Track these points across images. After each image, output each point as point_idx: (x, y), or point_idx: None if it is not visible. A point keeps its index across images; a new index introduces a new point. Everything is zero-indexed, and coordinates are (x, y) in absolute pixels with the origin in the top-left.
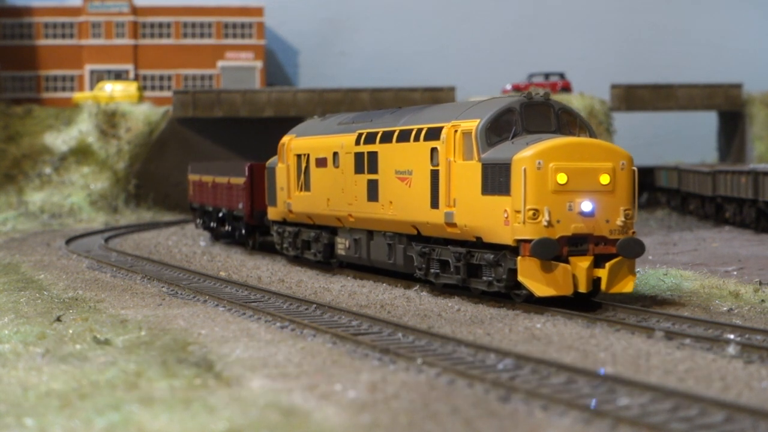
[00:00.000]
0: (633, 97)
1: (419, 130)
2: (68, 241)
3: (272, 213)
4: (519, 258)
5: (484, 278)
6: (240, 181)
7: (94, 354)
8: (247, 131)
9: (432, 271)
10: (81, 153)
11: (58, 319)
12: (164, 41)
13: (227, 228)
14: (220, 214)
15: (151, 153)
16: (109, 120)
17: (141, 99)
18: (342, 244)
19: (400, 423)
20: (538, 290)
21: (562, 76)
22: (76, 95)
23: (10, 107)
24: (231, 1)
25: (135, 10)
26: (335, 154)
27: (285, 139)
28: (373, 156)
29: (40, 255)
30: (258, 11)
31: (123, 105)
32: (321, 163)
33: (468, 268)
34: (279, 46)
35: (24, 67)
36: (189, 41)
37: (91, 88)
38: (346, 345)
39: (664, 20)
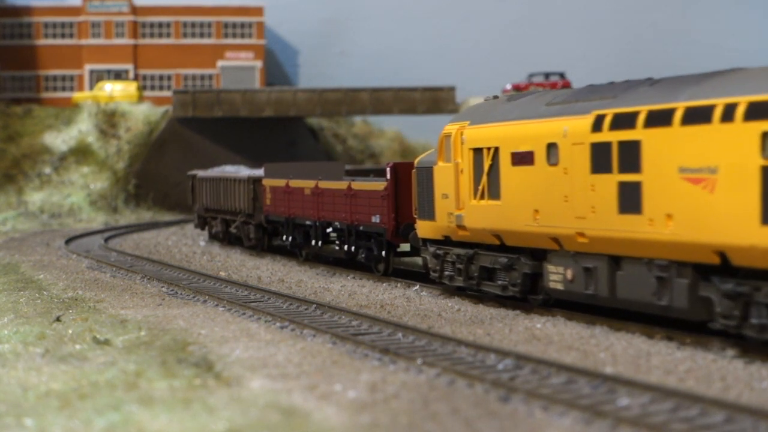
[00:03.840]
0: None
1: (731, 106)
2: (68, 241)
3: (425, 228)
4: None
5: None
6: (377, 186)
7: (94, 354)
8: (247, 131)
9: (755, 322)
10: (81, 153)
11: (58, 319)
12: (164, 41)
13: (349, 248)
14: (330, 230)
15: (151, 153)
16: (109, 120)
17: (141, 99)
18: (557, 275)
19: (400, 423)
20: None
21: (562, 75)
22: (76, 95)
23: (10, 107)
24: (231, 1)
25: (135, 10)
26: (551, 146)
27: (451, 128)
28: (630, 147)
29: (39, 255)
30: (258, 11)
31: (123, 105)
32: (521, 159)
33: None
34: (279, 46)
35: (24, 67)
36: (189, 41)
37: (91, 87)
38: (346, 345)
39: (664, 20)
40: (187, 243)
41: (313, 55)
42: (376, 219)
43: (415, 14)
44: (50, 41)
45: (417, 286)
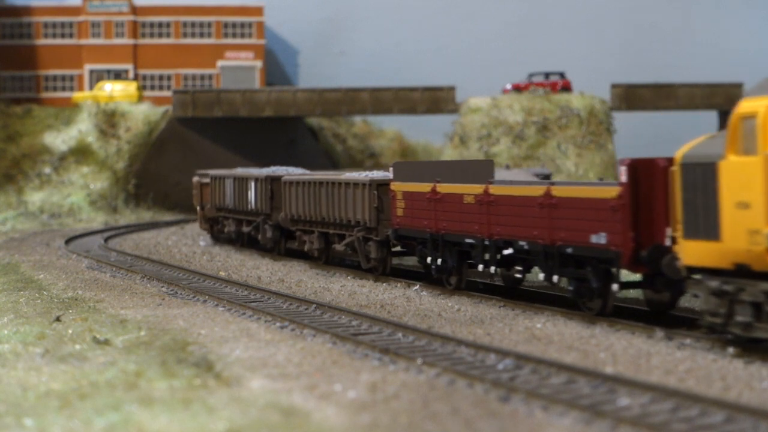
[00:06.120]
0: (633, 97)
1: None
2: (68, 241)
3: (700, 253)
4: None
5: None
6: (604, 193)
7: (94, 354)
8: (247, 131)
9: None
10: (80, 153)
11: (58, 319)
12: (164, 41)
13: (547, 276)
14: (510, 251)
15: (151, 153)
16: (109, 120)
17: (140, 99)
18: None
19: (400, 423)
20: None
21: (562, 75)
22: (76, 95)
23: (10, 107)
24: (231, 1)
25: (135, 10)
26: None
27: (757, 104)
28: None
29: (39, 255)
30: (258, 11)
31: (122, 105)
32: None
33: None
34: (279, 46)
35: (23, 67)
36: (189, 41)
37: (91, 87)
38: (346, 345)
39: (664, 20)
40: (187, 243)
41: (313, 55)
42: (599, 238)
43: (415, 14)
44: (50, 41)
45: (417, 286)
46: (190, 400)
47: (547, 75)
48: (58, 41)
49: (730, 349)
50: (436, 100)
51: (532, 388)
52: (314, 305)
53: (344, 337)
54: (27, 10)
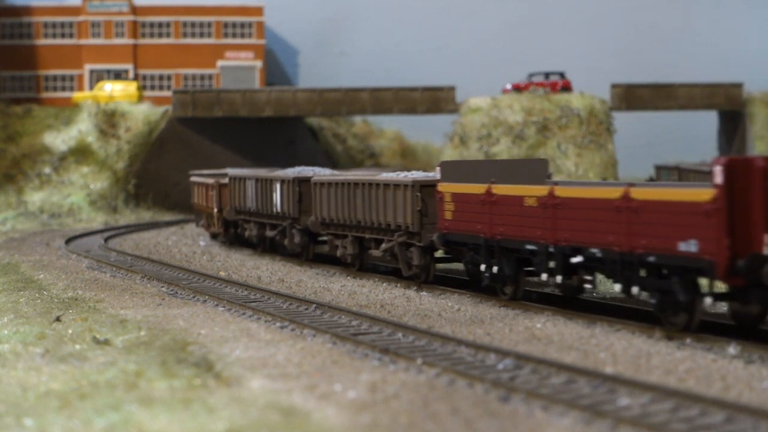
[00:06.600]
0: (633, 97)
1: None
2: (68, 241)
3: None
4: None
5: None
6: (694, 196)
7: (94, 354)
8: (247, 131)
9: None
10: (80, 153)
11: (58, 319)
12: (164, 41)
13: (625, 286)
14: (579, 259)
15: (151, 153)
16: (109, 120)
17: (140, 99)
18: None
19: (400, 423)
20: None
21: (562, 75)
22: (76, 95)
23: (10, 107)
24: (231, 1)
25: (134, 10)
26: None
27: None
28: None
29: (39, 255)
30: (257, 11)
31: (122, 105)
32: None
33: None
34: (279, 46)
35: (23, 67)
36: (189, 41)
37: (91, 87)
38: (346, 345)
39: (664, 20)
40: (187, 243)
41: (312, 55)
42: (688, 246)
43: (415, 14)
44: (50, 41)
45: (417, 286)
46: (190, 400)
47: (547, 75)
48: (58, 41)
49: (731, 349)
50: (436, 100)
51: (532, 388)
52: (314, 305)
53: (344, 337)
54: (27, 10)
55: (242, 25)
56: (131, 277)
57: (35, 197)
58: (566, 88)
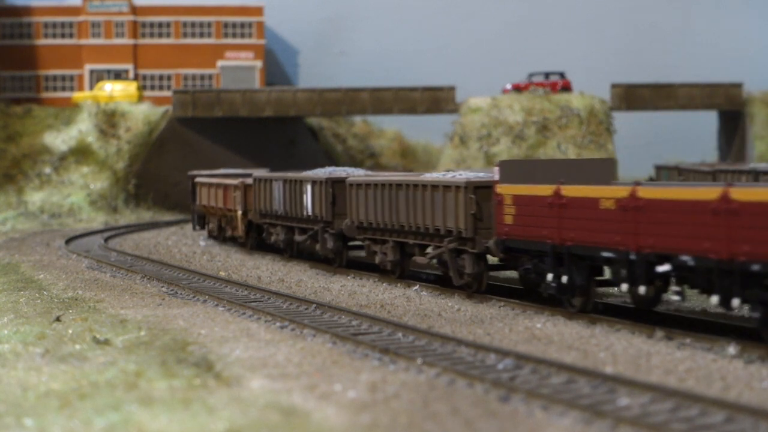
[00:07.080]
0: (633, 97)
1: None
2: (68, 241)
3: None
4: None
5: None
6: None
7: (94, 354)
8: (247, 131)
9: None
10: (80, 153)
11: (58, 319)
12: (164, 41)
13: (724, 299)
14: (667, 267)
15: (151, 153)
16: (109, 120)
17: (140, 99)
18: None
19: (400, 423)
20: None
21: (562, 75)
22: (76, 95)
23: (10, 107)
24: (231, 1)
25: (135, 10)
26: None
27: None
28: None
29: (39, 255)
30: (258, 11)
31: (122, 105)
32: None
33: None
34: (279, 46)
35: (23, 67)
36: (189, 41)
37: (91, 87)
38: (346, 345)
39: (664, 20)
40: (187, 243)
41: (312, 55)
42: None
43: (415, 14)
44: (50, 41)
45: (417, 286)
46: (190, 400)
47: (547, 75)
48: (58, 41)
49: (731, 349)
50: (436, 100)
51: (532, 388)
52: (314, 305)
53: (344, 337)
54: (27, 10)
55: (242, 25)
56: (131, 277)
57: (35, 197)
58: (566, 88)
